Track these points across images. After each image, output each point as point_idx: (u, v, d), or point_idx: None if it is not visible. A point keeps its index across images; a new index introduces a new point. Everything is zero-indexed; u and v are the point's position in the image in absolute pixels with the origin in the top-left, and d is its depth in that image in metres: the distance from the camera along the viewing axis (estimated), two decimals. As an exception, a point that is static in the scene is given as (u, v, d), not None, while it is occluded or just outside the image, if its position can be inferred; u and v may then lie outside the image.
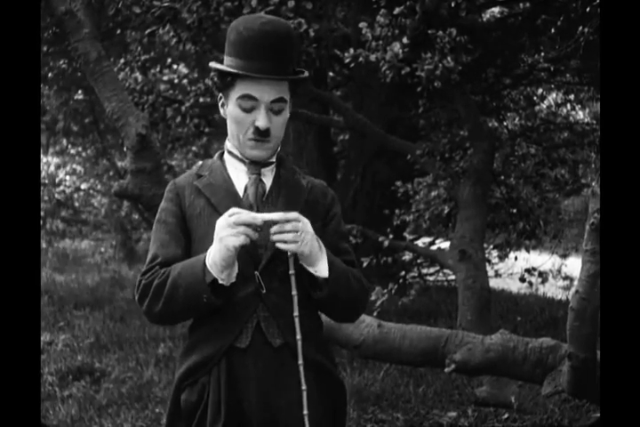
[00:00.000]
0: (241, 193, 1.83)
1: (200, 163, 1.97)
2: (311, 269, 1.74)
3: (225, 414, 1.74)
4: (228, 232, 1.65)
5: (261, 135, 1.79)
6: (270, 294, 1.76)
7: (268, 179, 1.86)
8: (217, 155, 1.93)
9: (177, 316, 1.80)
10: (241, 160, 1.86)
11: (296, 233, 1.68)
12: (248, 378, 1.75)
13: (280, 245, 1.69)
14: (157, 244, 1.82)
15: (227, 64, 1.80)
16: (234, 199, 1.81)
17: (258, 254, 1.76)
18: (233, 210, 1.69)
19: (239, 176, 1.86)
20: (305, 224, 1.70)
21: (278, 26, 1.77)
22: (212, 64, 1.84)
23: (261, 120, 1.77)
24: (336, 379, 1.87)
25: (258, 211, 1.77)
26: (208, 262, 1.69)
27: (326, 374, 1.85)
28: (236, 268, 1.71)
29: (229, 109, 1.83)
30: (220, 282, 1.69)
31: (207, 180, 1.86)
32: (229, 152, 1.89)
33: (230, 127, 1.85)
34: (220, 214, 1.74)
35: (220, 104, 1.88)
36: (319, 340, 1.86)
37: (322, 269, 1.74)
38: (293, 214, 1.70)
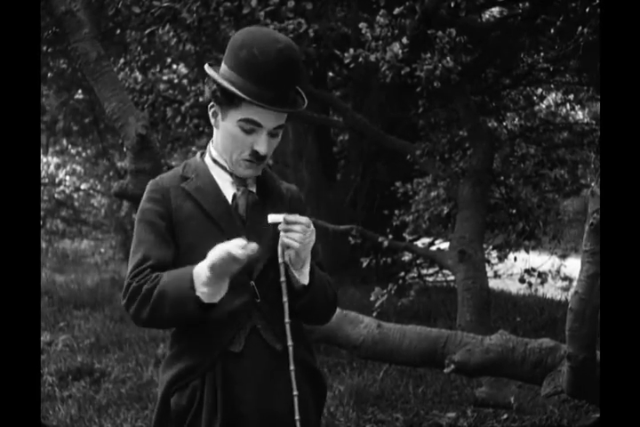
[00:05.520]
0: (229, 200, 1.82)
1: (182, 163, 1.92)
2: (296, 274, 1.77)
3: (221, 416, 1.74)
4: (233, 268, 1.62)
5: (258, 159, 1.78)
6: (264, 302, 1.78)
7: (251, 187, 1.86)
8: (198, 156, 1.89)
9: (163, 324, 1.80)
10: (228, 173, 1.84)
11: (303, 235, 1.70)
12: (246, 381, 1.76)
13: (285, 240, 1.71)
14: (146, 245, 1.76)
15: (232, 81, 1.73)
16: (224, 207, 1.80)
17: (252, 264, 1.74)
18: (236, 244, 1.60)
19: (225, 184, 1.83)
20: (313, 232, 1.74)
21: (292, 52, 1.71)
22: (222, 82, 1.74)
23: (262, 145, 1.76)
24: (319, 373, 1.92)
25: (247, 220, 1.80)
26: (199, 289, 1.65)
27: (312, 371, 1.89)
28: (225, 290, 1.69)
29: (227, 126, 1.79)
30: (207, 301, 1.67)
31: (195, 183, 1.82)
32: (214, 160, 1.86)
33: (223, 142, 1.81)
34: (213, 221, 1.77)
35: (210, 113, 1.84)
36: (307, 342, 1.92)
37: (304, 276, 1.77)
38: (306, 219, 1.73)
